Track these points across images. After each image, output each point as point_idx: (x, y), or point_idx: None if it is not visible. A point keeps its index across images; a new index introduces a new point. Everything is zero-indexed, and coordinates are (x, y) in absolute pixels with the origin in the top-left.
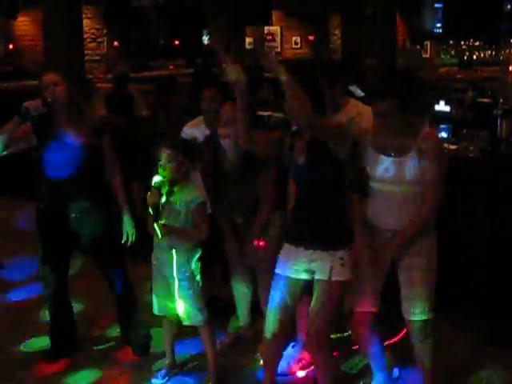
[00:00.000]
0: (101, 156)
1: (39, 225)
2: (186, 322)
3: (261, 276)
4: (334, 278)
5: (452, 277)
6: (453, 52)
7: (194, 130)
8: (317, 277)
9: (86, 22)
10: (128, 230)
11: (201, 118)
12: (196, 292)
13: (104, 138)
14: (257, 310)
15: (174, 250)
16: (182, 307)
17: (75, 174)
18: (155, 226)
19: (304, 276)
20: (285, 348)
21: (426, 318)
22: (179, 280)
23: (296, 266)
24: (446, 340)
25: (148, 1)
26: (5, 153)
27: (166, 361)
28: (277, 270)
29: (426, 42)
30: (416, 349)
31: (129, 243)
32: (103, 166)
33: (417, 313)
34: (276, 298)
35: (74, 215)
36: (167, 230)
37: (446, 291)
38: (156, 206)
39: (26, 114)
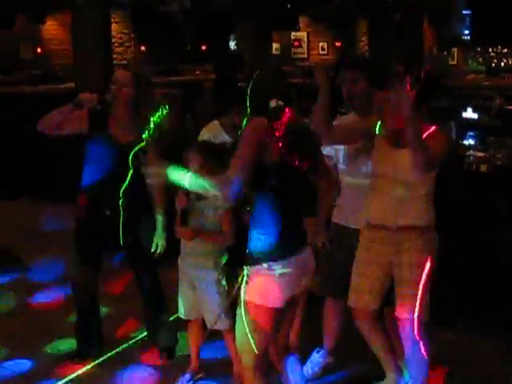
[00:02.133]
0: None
1: (79, 224)
2: (210, 326)
3: None
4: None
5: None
6: (480, 59)
7: (214, 136)
8: None
9: (113, 26)
10: (159, 242)
11: (216, 123)
12: (222, 296)
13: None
14: None
15: (200, 255)
16: (207, 311)
17: (119, 172)
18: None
19: None
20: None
21: (413, 317)
22: (206, 284)
23: None
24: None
25: (176, 6)
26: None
27: (191, 365)
28: None
29: (453, 49)
30: (405, 350)
31: (156, 254)
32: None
33: (404, 311)
34: None
35: (112, 213)
36: (194, 233)
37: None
38: (184, 211)
39: (79, 105)
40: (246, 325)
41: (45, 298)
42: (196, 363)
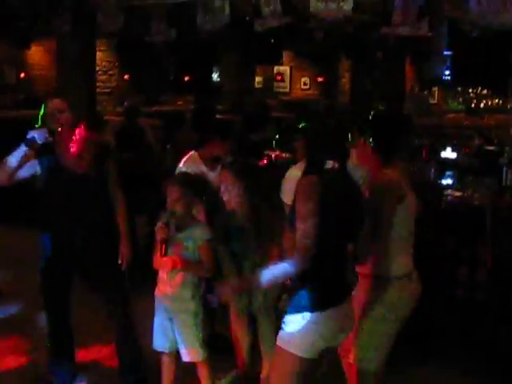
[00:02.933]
0: (105, 185)
1: (44, 253)
2: (185, 358)
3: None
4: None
5: None
6: (460, 99)
7: (192, 167)
8: None
9: (98, 54)
10: (125, 252)
11: (195, 154)
12: (198, 328)
13: (109, 166)
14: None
15: (180, 285)
16: (183, 342)
17: (79, 201)
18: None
19: None
20: None
21: (361, 366)
22: (182, 314)
23: None
24: None
25: (160, 37)
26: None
27: None
28: None
29: (433, 89)
30: None
31: (124, 265)
32: (107, 195)
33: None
34: None
35: (77, 242)
36: (179, 262)
37: None
38: (165, 241)
39: (33, 143)
40: (278, 370)
41: None
42: None
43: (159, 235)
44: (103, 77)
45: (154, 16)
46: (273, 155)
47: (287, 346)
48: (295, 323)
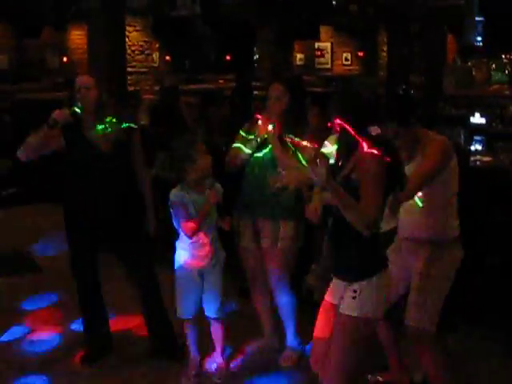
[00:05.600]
0: (129, 161)
1: (68, 226)
2: (211, 313)
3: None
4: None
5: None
6: (507, 71)
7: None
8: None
9: (134, 34)
10: (151, 223)
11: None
12: (222, 283)
13: (134, 143)
14: None
15: (211, 237)
16: (210, 298)
17: (102, 177)
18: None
19: None
20: None
21: (420, 326)
22: (213, 267)
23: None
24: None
25: (185, 11)
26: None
27: (192, 363)
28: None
29: (474, 60)
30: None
31: (152, 233)
32: (132, 171)
33: (410, 318)
34: None
35: (102, 216)
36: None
37: None
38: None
39: (54, 124)
40: (346, 342)
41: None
42: (197, 361)
43: (212, 201)
44: (140, 56)
45: None
46: None
47: (358, 312)
48: (363, 289)
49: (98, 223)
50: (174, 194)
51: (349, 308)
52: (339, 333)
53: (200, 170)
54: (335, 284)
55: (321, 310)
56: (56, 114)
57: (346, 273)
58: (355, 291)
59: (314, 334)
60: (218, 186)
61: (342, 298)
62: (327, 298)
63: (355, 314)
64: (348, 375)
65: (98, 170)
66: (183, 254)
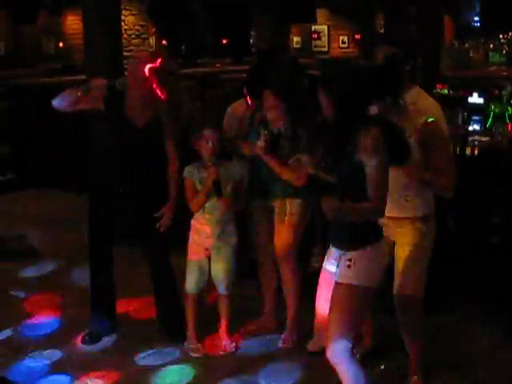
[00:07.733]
0: (161, 143)
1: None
2: (221, 288)
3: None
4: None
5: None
6: (504, 51)
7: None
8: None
9: (130, 18)
10: (167, 214)
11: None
12: (232, 261)
13: (166, 126)
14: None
15: (224, 221)
16: (222, 277)
17: (134, 150)
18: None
19: None
20: None
21: (415, 293)
22: (228, 248)
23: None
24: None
25: None
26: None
27: (191, 339)
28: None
29: (471, 41)
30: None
31: (162, 227)
32: (163, 152)
33: (405, 287)
34: None
35: (128, 190)
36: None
37: None
38: (216, 182)
39: (88, 90)
40: (344, 309)
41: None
42: (196, 336)
43: (212, 175)
44: (136, 40)
45: None
46: None
47: (352, 280)
48: (357, 258)
49: (123, 196)
50: (187, 169)
51: (344, 276)
52: (336, 299)
53: (210, 148)
54: (332, 252)
55: (320, 277)
56: (94, 81)
57: (341, 241)
58: (350, 260)
59: (316, 302)
60: (226, 164)
61: (337, 267)
62: (325, 265)
63: (349, 282)
64: (348, 331)
65: (131, 144)
66: (193, 230)
